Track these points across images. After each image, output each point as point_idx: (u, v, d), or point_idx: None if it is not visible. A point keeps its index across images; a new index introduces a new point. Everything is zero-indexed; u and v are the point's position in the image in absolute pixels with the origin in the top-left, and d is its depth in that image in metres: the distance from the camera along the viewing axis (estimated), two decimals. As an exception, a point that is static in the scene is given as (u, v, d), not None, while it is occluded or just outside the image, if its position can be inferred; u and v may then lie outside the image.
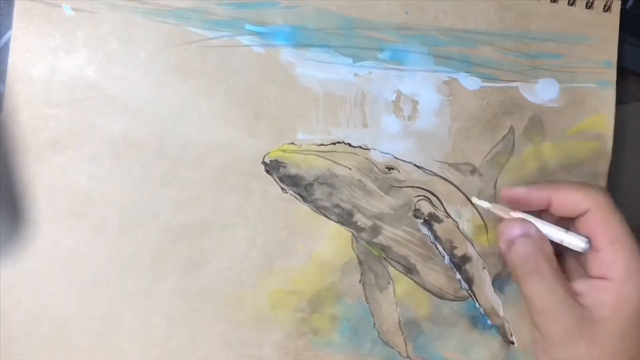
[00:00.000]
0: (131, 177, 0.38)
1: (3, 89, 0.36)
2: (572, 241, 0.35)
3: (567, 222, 0.37)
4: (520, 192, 0.37)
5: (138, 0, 0.37)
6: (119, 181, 0.38)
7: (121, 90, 0.38)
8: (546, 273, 0.35)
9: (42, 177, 0.37)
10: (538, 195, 0.36)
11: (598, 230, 0.34)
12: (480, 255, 0.43)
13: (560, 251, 0.37)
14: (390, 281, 0.42)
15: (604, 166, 0.44)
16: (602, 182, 0.45)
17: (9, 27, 0.36)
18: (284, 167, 0.40)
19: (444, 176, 0.42)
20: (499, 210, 0.39)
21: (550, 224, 0.36)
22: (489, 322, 0.43)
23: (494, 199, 0.43)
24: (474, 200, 0.41)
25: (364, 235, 0.41)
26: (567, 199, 0.35)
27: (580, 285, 0.35)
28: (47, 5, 0.36)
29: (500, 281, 0.43)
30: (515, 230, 0.36)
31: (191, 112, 0.39)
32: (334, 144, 0.41)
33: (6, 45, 0.37)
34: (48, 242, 0.38)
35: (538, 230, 0.36)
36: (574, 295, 0.35)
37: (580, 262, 0.37)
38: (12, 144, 0.37)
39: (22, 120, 0.37)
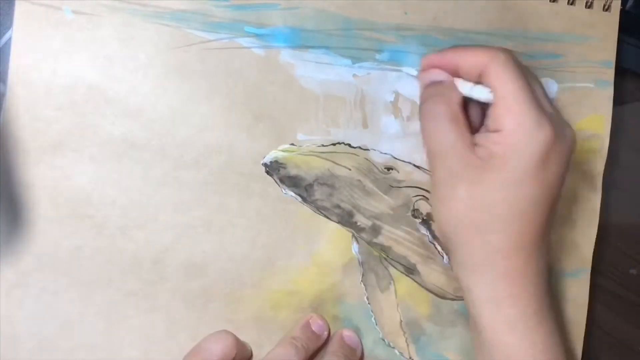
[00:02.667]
0: (132, 178, 0.38)
1: (3, 90, 0.36)
2: (478, 92, 0.36)
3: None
4: (433, 57, 0.38)
5: (138, 3, 0.38)
6: (119, 182, 0.38)
7: (122, 92, 0.38)
8: (442, 116, 0.36)
9: (43, 179, 0.37)
10: (448, 59, 0.38)
11: (494, 84, 0.35)
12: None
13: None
14: (391, 281, 0.43)
15: (600, 166, 0.44)
16: (598, 181, 0.45)
17: (9, 27, 0.37)
18: (284, 168, 0.40)
19: (444, 176, 0.42)
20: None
21: (462, 79, 0.37)
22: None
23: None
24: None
25: (364, 235, 0.42)
26: (470, 59, 0.36)
27: (478, 137, 0.36)
28: (48, 8, 0.36)
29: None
30: (432, 76, 0.38)
31: (191, 114, 0.39)
32: (334, 144, 0.41)
33: (6, 46, 0.37)
34: (49, 243, 0.38)
35: (449, 80, 0.37)
36: (470, 145, 0.35)
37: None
38: (13, 146, 0.37)
39: (23, 123, 0.37)
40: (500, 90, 0.34)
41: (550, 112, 0.35)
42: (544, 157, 0.34)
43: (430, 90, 0.37)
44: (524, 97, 0.34)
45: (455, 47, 0.39)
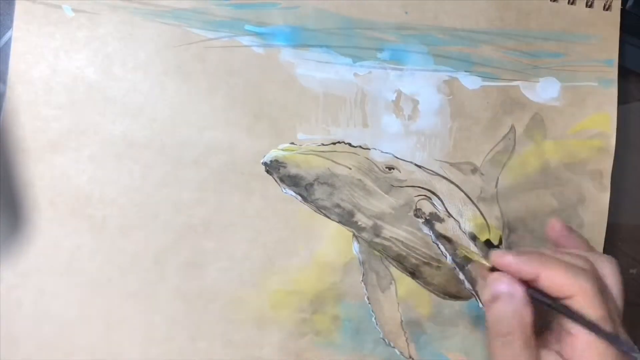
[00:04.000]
0: (131, 178, 0.38)
1: (3, 89, 0.36)
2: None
3: None
4: (509, 261, 0.35)
5: (138, 1, 0.38)
6: (119, 182, 0.38)
7: (121, 91, 0.38)
8: (515, 340, 0.34)
9: (42, 178, 0.37)
10: (526, 270, 0.34)
11: (579, 319, 0.33)
12: (482, 255, 0.43)
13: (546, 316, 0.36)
14: (392, 281, 0.42)
15: (607, 164, 0.44)
16: (606, 180, 0.44)
17: (9, 27, 0.37)
18: (284, 167, 0.40)
19: (445, 175, 0.42)
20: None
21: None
22: (491, 322, 0.43)
23: (495, 198, 0.43)
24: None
25: (364, 235, 0.41)
26: (554, 281, 0.34)
27: (547, 357, 0.34)
28: (48, 7, 0.37)
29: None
30: (501, 287, 0.35)
31: (191, 113, 0.39)
32: (334, 143, 0.41)
33: (7, 45, 0.37)
34: (49, 242, 0.38)
35: (524, 293, 0.34)
36: None
37: (560, 336, 0.36)
38: (13, 145, 0.37)
39: (22, 122, 0.37)
40: (585, 329, 0.33)
41: (622, 336, 0.34)
42: None
43: (500, 308, 0.34)
44: (608, 340, 0.32)
45: (536, 255, 0.35)
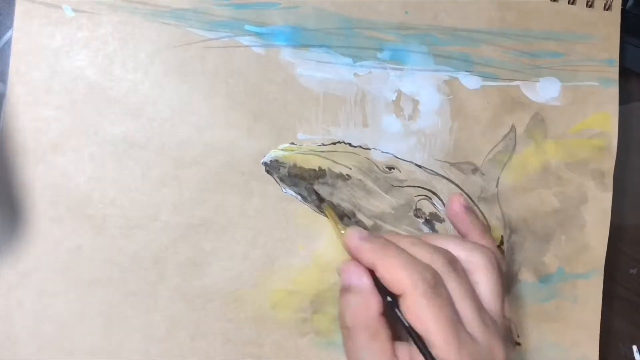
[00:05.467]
0: (132, 178, 0.38)
1: (3, 89, 0.36)
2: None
3: None
4: (354, 244, 0.35)
5: (138, 1, 0.38)
6: (119, 182, 0.38)
7: (121, 91, 0.38)
8: (359, 332, 0.33)
9: (42, 178, 0.37)
10: (364, 257, 0.34)
11: (412, 319, 0.32)
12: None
13: None
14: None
15: (609, 164, 0.44)
16: (608, 179, 0.44)
17: (9, 27, 0.37)
18: (284, 167, 0.40)
19: (445, 176, 0.42)
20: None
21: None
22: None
23: (496, 198, 0.43)
24: None
25: (365, 235, 0.41)
26: (387, 275, 0.33)
27: (402, 351, 0.33)
28: (48, 7, 0.37)
29: (505, 281, 0.43)
30: (349, 278, 0.34)
31: (191, 113, 0.39)
32: (334, 143, 0.41)
33: (7, 45, 0.37)
34: (49, 242, 0.37)
35: (370, 286, 0.34)
36: (392, 359, 0.33)
37: None
38: (13, 145, 0.37)
39: (22, 122, 0.37)
40: (418, 328, 0.32)
41: (479, 341, 0.33)
42: None
43: (345, 300, 0.34)
44: (443, 340, 0.31)
45: (384, 242, 0.34)
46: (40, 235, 0.37)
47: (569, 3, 0.44)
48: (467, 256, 0.35)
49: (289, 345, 0.40)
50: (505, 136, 0.43)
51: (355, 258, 0.35)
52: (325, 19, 0.40)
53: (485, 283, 0.35)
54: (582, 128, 0.44)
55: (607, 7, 0.44)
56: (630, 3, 0.46)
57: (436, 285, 0.32)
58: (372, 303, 0.33)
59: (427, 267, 0.33)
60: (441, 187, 0.42)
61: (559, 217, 0.44)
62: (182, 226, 0.39)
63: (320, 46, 0.40)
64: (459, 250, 0.35)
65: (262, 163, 0.40)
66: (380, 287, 0.33)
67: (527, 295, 0.44)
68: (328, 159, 0.40)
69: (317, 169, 0.40)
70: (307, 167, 0.40)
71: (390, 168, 0.41)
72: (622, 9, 0.44)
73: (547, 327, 0.45)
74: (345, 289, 0.35)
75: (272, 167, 0.40)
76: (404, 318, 0.32)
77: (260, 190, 0.40)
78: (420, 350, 0.31)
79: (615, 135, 0.44)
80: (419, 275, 0.32)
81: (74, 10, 0.37)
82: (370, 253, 0.34)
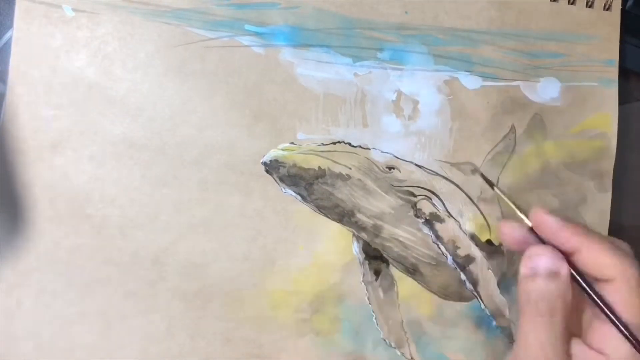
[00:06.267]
0: (131, 178, 0.38)
1: (4, 89, 0.36)
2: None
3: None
4: (553, 222, 0.31)
5: (138, 1, 0.38)
6: (119, 182, 0.38)
7: (121, 91, 0.38)
8: (555, 324, 0.31)
9: (42, 178, 0.37)
10: (569, 237, 0.31)
11: (618, 304, 0.30)
12: (484, 256, 0.43)
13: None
14: (393, 281, 0.42)
15: (608, 164, 0.44)
16: (607, 180, 0.44)
17: (9, 27, 0.37)
18: (284, 167, 0.40)
19: (445, 176, 0.42)
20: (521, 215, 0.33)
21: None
22: (494, 323, 0.43)
23: (495, 198, 0.43)
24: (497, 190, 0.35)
25: (364, 235, 0.41)
26: (597, 259, 0.30)
27: (576, 348, 0.31)
28: (48, 7, 0.37)
29: (506, 282, 0.43)
30: (545, 263, 0.31)
31: (191, 113, 0.39)
32: (334, 143, 0.41)
33: (7, 45, 0.37)
34: (49, 242, 0.38)
35: (569, 272, 0.31)
36: (566, 354, 0.31)
37: (590, 321, 0.32)
38: (13, 145, 0.37)
39: (23, 121, 0.37)
40: (623, 315, 0.30)
41: None
42: None
43: (544, 285, 0.31)
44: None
45: (581, 227, 0.31)
46: (40, 235, 0.37)
47: (569, 3, 0.44)
48: (624, 267, 0.31)
49: (288, 345, 0.40)
50: (505, 136, 0.43)
51: (550, 241, 0.32)
52: (325, 19, 0.40)
53: None
54: (581, 128, 0.44)
55: (607, 8, 0.44)
56: (630, 3, 0.45)
57: None
58: (570, 291, 0.31)
59: (633, 258, 0.31)
60: (441, 187, 0.42)
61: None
62: (182, 226, 0.39)
63: (320, 46, 0.40)
64: (614, 259, 0.31)
65: (262, 163, 0.40)
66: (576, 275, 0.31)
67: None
68: (328, 158, 0.40)
69: (316, 168, 0.40)
70: (306, 167, 0.40)
71: (390, 168, 0.41)
72: (622, 9, 0.44)
73: None
74: (534, 274, 0.31)
75: (271, 167, 0.40)
76: (609, 307, 0.30)
77: (260, 191, 0.40)
78: (630, 340, 0.29)
79: (615, 135, 0.44)
80: (630, 262, 0.30)
81: (74, 10, 0.37)
82: (575, 236, 0.31)
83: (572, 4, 0.44)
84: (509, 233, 0.33)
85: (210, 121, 0.39)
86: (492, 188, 0.36)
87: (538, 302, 0.31)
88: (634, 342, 0.29)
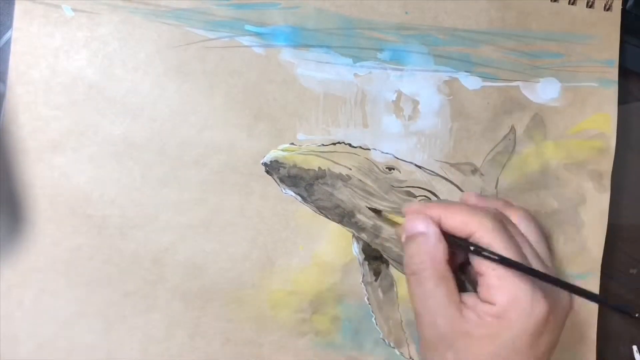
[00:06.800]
0: (131, 178, 0.38)
1: (3, 89, 0.36)
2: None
3: None
4: (416, 206, 0.37)
5: (138, 1, 0.38)
6: (119, 182, 0.38)
7: (121, 91, 0.38)
8: (427, 277, 0.34)
9: (42, 178, 0.37)
10: (429, 212, 0.36)
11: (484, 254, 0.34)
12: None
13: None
14: (393, 282, 0.42)
15: (607, 165, 0.44)
16: (606, 180, 0.44)
17: (9, 27, 0.37)
18: (284, 167, 0.40)
19: (445, 176, 0.42)
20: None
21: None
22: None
23: (495, 199, 0.43)
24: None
25: (364, 235, 0.41)
26: (454, 221, 0.35)
27: (468, 299, 0.34)
28: (48, 6, 0.36)
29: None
30: (417, 226, 0.36)
31: (191, 113, 0.39)
32: (334, 144, 0.41)
33: (6, 45, 0.37)
34: (49, 242, 0.38)
35: (437, 231, 0.35)
36: (458, 308, 0.34)
37: (476, 279, 0.36)
38: (13, 145, 0.37)
39: (22, 122, 0.37)
40: (491, 263, 0.33)
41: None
42: (538, 333, 0.33)
43: (413, 246, 0.36)
44: (515, 268, 0.33)
45: (440, 202, 0.38)
46: (40, 235, 0.37)
47: (569, 3, 0.44)
48: (510, 213, 0.37)
49: (288, 346, 0.40)
50: (504, 137, 0.43)
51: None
52: (326, 19, 0.40)
53: (533, 233, 0.37)
54: (581, 129, 0.44)
55: (607, 8, 0.44)
56: (630, 3, 0.45)
57: (501, 222, 0.35)
58: (439, 248, 0.35)
59: (489, 210, 0.36)
60: (441, 187, 0.42)
61: (557, 217, 0.44)
62: (182, 226, 0.39)
63: (320, 46, 0.40)
64: (502, 209, 0.37)
65: (262, 163, 0.40)
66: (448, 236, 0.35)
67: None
68: (328, 159, 0.40)
69: (317, 169, 0.40)
70: (307, 167, 0.40)
71: (390, 169, 0.41)
72: (622, 9, 0.44)
73: None
74: (411, 237, 0.36)
75: (271, 168, 0.40)
76: (481, 248, 0.34)
77: (260, 191, 0.40)
78: (510, 265, 0.33)
79: (614, 136, 0.44)
80: (484, 215, 0.35)
81: (74, 10, 0.37)
82: (435, 208, 0.36)
83: (573, 4, 0.44)
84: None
85: (211, 121, 0.39)
86: (380, 214, 0.41)
87: (409, 262, 0.35)
88: (509, 262, 0.33)
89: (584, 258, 0.45)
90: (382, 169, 0.41)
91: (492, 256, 0.33)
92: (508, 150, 0.43)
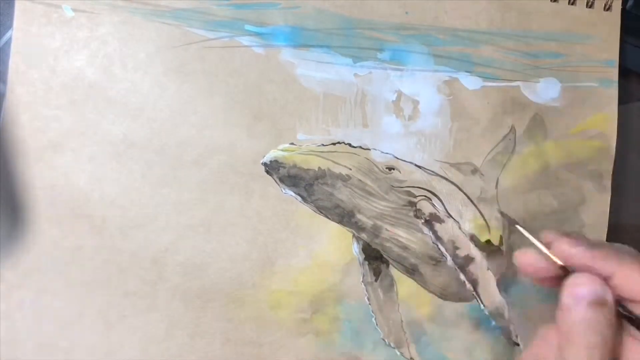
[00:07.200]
0: (131, 178, 0.38)
1: (3, 89, 0.36)
2: None
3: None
4: (583, 256, 0.31)
5: (138, 1, 0.38)
6: (119, 182, 0.38)
7: (121, 91, 0.38)
8: (605, 355, 0.29)
9: (42, 178, 0.37)
10: (602, 267, 0.30)
11: None
12: (483, 256, 0.43)
13: None
14: (393, 282, 0.42)
15: (607, 165, 0.44)
16: (606, 180, 0.44)
17: (9, 27, 0.37)
18: (284, 167, 0.40)
19: (445, 176, 0.42)
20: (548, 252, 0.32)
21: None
22: (493, 323, 0.43)
23: (495, 199, 0.43)
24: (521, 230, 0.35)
25: (364, 235, 0.41)
26: (629, 282, 0.30)
27: None
28: (48, 7, 0.37)
29: (506, 282, 0.43)
30: (590, 291, 0.30)
31: (191, 113, 0.39)
32: (334, 144, 0.41)
33: (6, 45, 0.37)
34: (49, 242, 0.38)
35: (613, 299, 0.30)
36: None
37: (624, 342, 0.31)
38: (13, 145, 0.37)
39: (22, 122, 0.37)
40: None
41: None
42: None
43: (593, 314, 0.29)
44: None
45: (609, 249, 0.31)
46: (40, 235, 0.37)
47: (569, 4, 0.44)
48: None
49: (288, 345, 0.40)
50: (504, 137, 0.43)
51: (583, 269, 0.31)
52: (326, 19, 0.40)
53: None
54: (581, 129, 0.44)
55: (607, 8, 0.44)
56: (630, 3, 0.45)
57: None
58: (614, 318, 0.30)
59: None
60: (441, 187, 0.42)
61: (557, 217, 0.44)
62: (182, 226, 0.39)
63: (320, 46, 0.40)
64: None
65: (262, 163, 0.40)
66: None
67: (525, 296, 0.44)
68: (328, 159, 0.40)
69: (316, 169, 0.40)
70: (306, 167, 0.40)
71: (390, 168, 0.41)
72: (622, 9, 0.44)
73: (544, 328, 0.45)
74: (577, 302, 0.30)
75: (271, 168, 0.40)
76: None
77: (260, 191, 0.40)
78: None
79: (614, 136, 0.44)
80: None
81: (74, 10, 0.37)
82: (605, 261, 0.30)
83: (573, 4, 0.44)
84: (530, 264, 0.32)
85: (210, 121, 0.39)
86: (515, 226, 0.36)
87: (587, 333, 0.29)
88: None
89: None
90: (382, 169, 0.41)
91: None
92: (508, 150, 0.43)
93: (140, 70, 0.38)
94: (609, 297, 0.29)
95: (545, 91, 0.43)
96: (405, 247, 0.42)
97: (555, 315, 0.31)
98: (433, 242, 0.42)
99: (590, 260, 0.30)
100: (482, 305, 0.42)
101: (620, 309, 0.30)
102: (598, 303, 0.29)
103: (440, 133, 0.42)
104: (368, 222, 0.41)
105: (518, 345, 0.44)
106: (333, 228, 0.41)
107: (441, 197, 0.42)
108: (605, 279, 0.30)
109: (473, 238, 0.43)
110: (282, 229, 0.40)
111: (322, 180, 0.40)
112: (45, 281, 0.38)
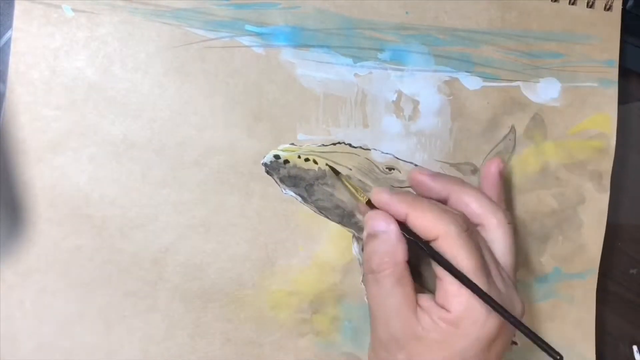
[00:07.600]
0: (131, 178, 0.38)
1: (3, 89, 0.36)
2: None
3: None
4: (384, 198, 0.36)
5: (138, 1, 0.37)
6: (119, 182, 0.38)
7: (121, 92, 0.38)
8: (386, 277, 0.35)
9: (42, 179, 0.37)
10: (396, 208, 0.36)
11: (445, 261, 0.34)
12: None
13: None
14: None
15: (607, 165, 0.44)
16: (606, 181, 0.44)
17: (8, 27, 0.37)
18: (284, 167, 0.40)
19: (445, 176, 0.42)
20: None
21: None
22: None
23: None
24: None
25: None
26: (419, 222, 0.35)
27: (425, 301, 0.35)
28: (48, 6, 0.36)
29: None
30: (377, 224, 0.36)
31: (191, 113, 0.39)
32: (335, 144, 0.41)
33: (6, 45, 0.37)
34: (49, 243, 0.37)
35: (397, 231, 0.35)
36: (414, 311, 0.34)
37: (434, 280, 0.36)
38: (13, 145, 0.37)
39: (22, 122, 0.37)
40: (448, 274, 0.33)
41: (501, 290, 0.34)
42: (490, 341, 0.33)
43: (373, 245, 0.36)
44: (476, 281, 0.33)
45: (413, 196, 0.37)
46: (40, 235, 0.37)
47: (569, 3, 0.44)
48: (487, 214, 0.36)
49: (288, 346, 0.41)
50: (504, 137, 0.43)
51: (386, 211, 0.36)
52: (326, 19, 0.40)
53: (502, 241, 0.36)
54: (581, 129, 0.44)
55: (608, 8, 0.44)
56: (630, 3, 0.45)
57: (468, 230, 0.34)
58: (399, 248, 0.35)
59: (458, 215, 0.35)
60: (441, 187, 0.42)
61: (556, 217, 0.44)
62: (182, 226, 0.39)
63: (320, 46, 0.40)
64: (481, 208, 0.37)
65: (262, 164, 0.40)
66: (409, 236, 0.35)
67: (524, 295, 0.44)
68: (328, 159, 0.40)
69: (317, 169, 0.40)
70: (307, 167, 0.40)
71: (391, 169, 0.41)
72: (622, 9, 0.44)
73: (543, 327, 0.45)
74: (372, 235, 0.36)
75: (272, 168, 0.40)
76: (440, 257, 0.34)
77: (260, 191, 0.40)
78: (464, 283, 0.33)
79: (614, 136, 0.44)
80: (452, 220, 0.34)
81: (74, 10, 0.37)
82: (403, 204, 0.35)
83: (573, 4, 0.44)
84: (377, 200, 0.37)
85: (211, 121, 0.39)
86: (337, 175, 0.40)
87: (369, 261, 0.36)
88: (470, 286, 0.33)
89: (583, 257, 0.45)
90: (382, 169, 0.41)
91: (451, 268, 0.33)
92: (508, 150, 0.43)
93: (140, 70, 0.38)
94: (391, 228, 0.35)
95: (545, 91, 0.43)
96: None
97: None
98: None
99: (387, 201, 0.36)
100: None
101: (405, 234, 0.35)
102: (380, 234, 0.35)
103: (441, 133, 0.42)
104: (368, 222, 0.41)
105: (516, 343, 0.44)
106: (333, 228, 0.41)
107: (441, 197, 0.42)
108: (404, 221, 0.35)
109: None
110: (282, 229, 0.40)
111: (322, 181, 0.40)
112: (45, 281, 0.38)
